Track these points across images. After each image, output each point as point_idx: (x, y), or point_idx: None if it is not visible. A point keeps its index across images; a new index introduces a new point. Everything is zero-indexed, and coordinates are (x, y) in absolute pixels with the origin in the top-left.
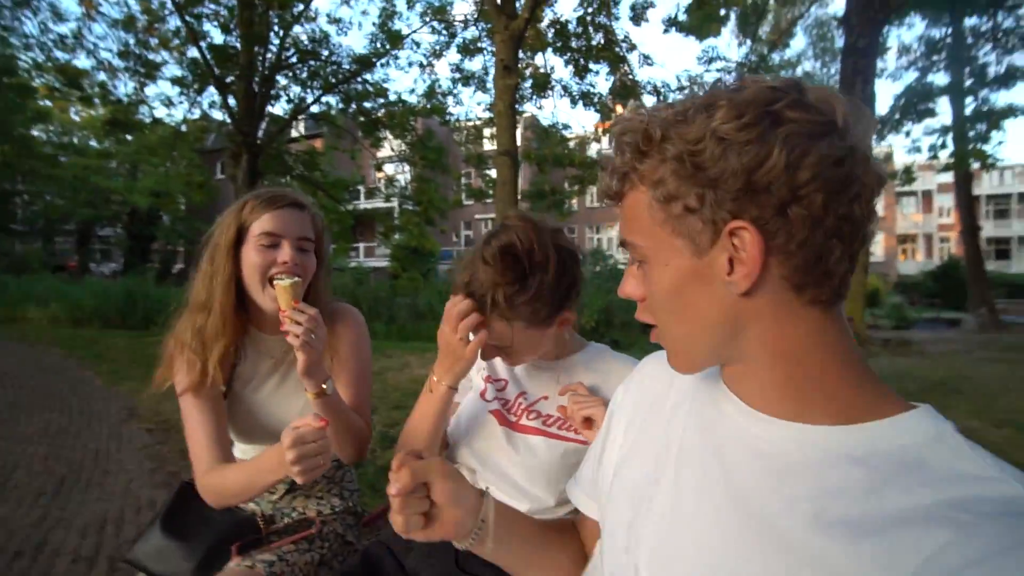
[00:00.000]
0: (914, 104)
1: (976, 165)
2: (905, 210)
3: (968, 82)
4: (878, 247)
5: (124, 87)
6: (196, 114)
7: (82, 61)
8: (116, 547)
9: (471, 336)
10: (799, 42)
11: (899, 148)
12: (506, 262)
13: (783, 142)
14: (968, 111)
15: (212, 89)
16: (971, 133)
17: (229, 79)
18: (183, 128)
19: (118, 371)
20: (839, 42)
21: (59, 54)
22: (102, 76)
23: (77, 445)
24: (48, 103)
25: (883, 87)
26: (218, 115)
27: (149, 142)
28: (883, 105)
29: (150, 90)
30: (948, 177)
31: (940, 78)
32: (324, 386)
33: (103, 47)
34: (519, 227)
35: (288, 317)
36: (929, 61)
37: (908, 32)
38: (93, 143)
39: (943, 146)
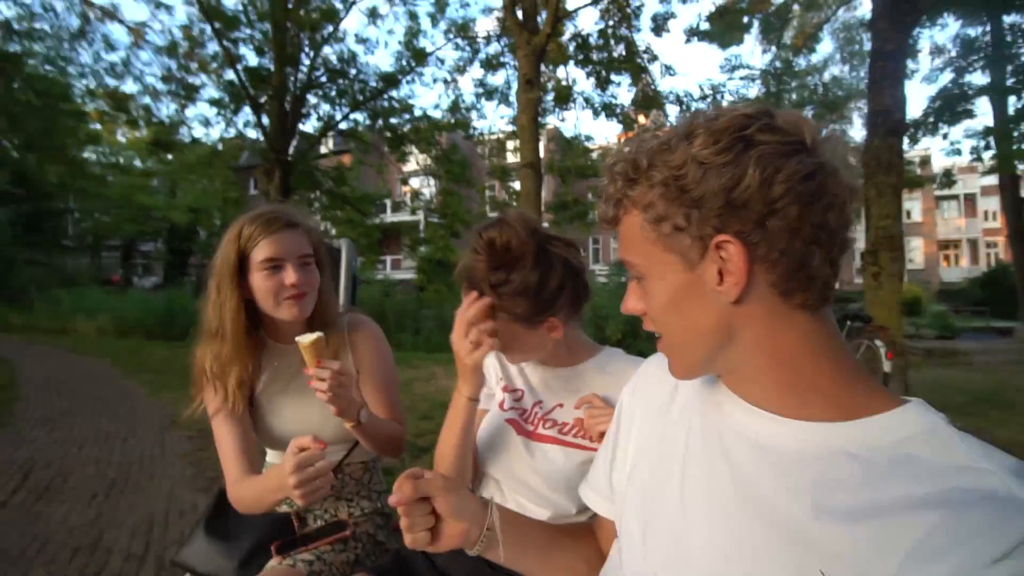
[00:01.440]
0: (950, 106)
1: (1023, 167)
2: (946, 215)
3: (1010, 81)
4: (917, 254)
5: (166, 109)
6: (232, 133)
7: (129, 86)
8: (162, 548)
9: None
10: (826, 46)
11: (936, 151)
12: (489, 251)
13: (756, 162)
14: (1011, 111)
15: (247, 109)
16: (1015, 133)
17: (263, 99)
18: (219, 147)
19: (159, 380)
20: (868, 45)
21: (109, 80)
22: (147, 100)
23: (124, 450)
24: (98, 126)
25: (918, 89)
26: (252, 133)
27: (188, 161)
28: (916, 108)
29: (190, 111)
30: (993, 180)
31: (978, 78)
32: (360, 416)
33: (148, 72)
34: (507, 222)
35: (314, 375)
36: (965, 61)
37: (941, 33)
38: (137, 163)
39: (987, 147)
